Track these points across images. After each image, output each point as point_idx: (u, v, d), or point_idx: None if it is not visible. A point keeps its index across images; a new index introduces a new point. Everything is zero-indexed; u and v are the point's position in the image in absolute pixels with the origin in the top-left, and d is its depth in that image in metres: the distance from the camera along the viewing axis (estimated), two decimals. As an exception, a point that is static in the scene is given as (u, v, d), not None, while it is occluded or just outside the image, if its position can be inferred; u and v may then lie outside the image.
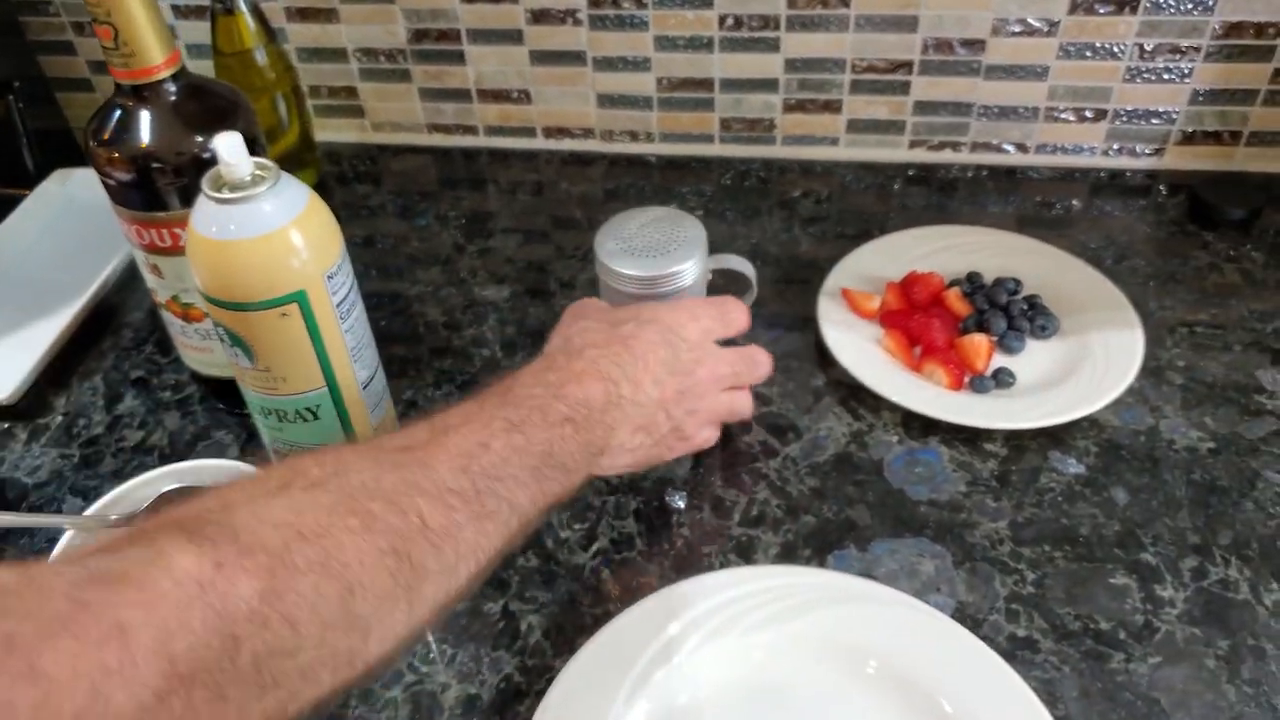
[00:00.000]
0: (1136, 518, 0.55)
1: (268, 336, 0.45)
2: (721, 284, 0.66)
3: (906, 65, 0.80)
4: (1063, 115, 0.81)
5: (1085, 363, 0.62)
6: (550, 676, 0.49)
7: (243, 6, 0.76)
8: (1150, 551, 0.53)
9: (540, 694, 0.47)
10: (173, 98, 0.54)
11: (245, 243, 0.43)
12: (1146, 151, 0.81)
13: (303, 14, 0.85)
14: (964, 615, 0.50)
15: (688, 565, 0.54)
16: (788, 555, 0.54)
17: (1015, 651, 0.49)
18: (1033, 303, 0.67)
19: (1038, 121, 0.81)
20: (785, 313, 0.70)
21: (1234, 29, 0.74)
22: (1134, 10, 0.74)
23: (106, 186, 0.55)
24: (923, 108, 0.82)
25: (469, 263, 0.78)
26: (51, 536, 0.58)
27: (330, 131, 0.93)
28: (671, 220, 0.63)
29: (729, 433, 0.61)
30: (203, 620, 0.29)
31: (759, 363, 0.57)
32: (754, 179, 0.85)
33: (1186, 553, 0.53)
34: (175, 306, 0.59)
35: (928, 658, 0.47)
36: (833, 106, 0.83)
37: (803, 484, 0.58)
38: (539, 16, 0.82)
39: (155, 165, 0.53)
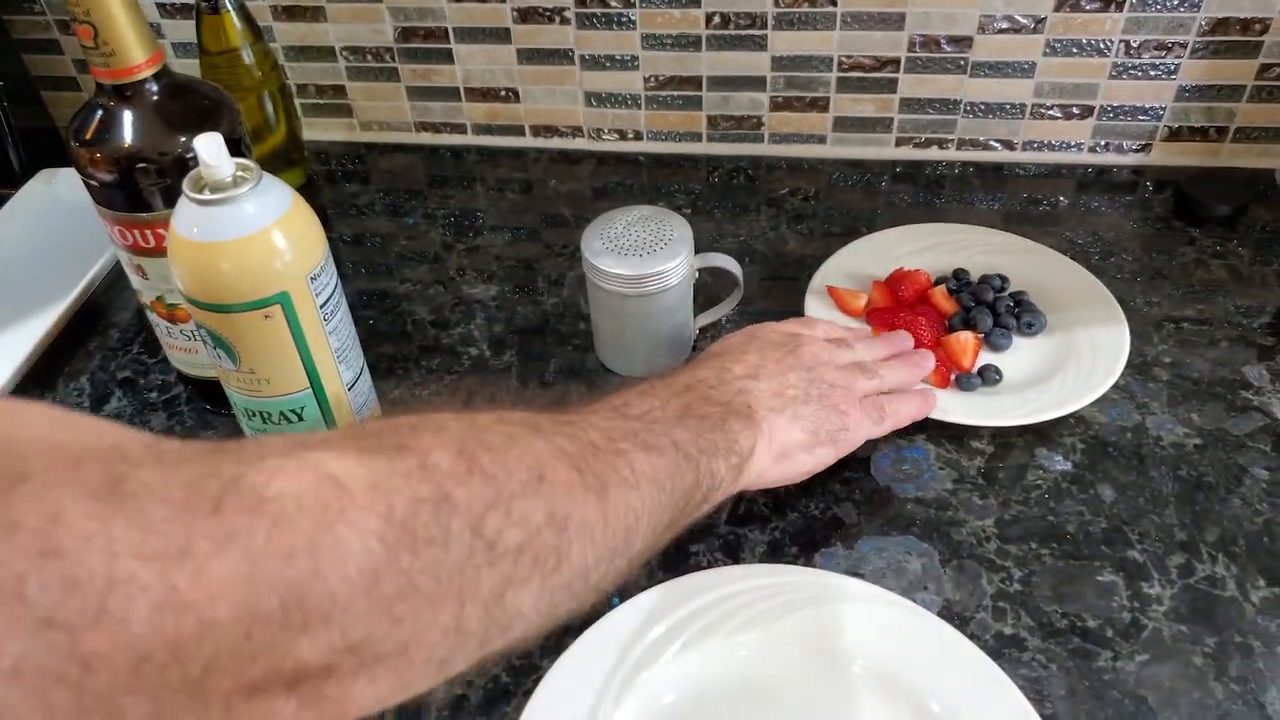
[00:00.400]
0: (1123, 515, 0.55)
1: (251, 338, 0.45)
2: (709, 282, 0.66)
3: (893, 63, 0.80)
4: (1049, 112, 0.81)
5: (1071, 359, 0.62)
6: (537, 676, 0.49)
7: (228, 5, 0.75)
8: (1137, 549, 0.53)
9: (528, 694, 0.47)
10: (155, 97, 0.53)
11: (227, 244, 0.43)
12: (1133, 148, 0.82)
13: (289, 12, 0.85)
14: (951, 613, 0.50)
15: (675, 564, 0.54)
16: (775, 553, 0.54)
17: (1002, 650, 0.49)
18: (1019, 300, 0.67)
19: (1024, 118, 0.81)
20: (772, 310, 0.70)
21: (1220, 25, 0.74)
22: (1120, 7, 0.74)
23: (89, 187, 0.55)
24: (909, 105, 0.82)
25: (457, 261, 0.78)
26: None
27: (318, 130, 0.93)
28: (658, 219, 0.63)
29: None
30: (406, 472, 0.29)
31: (905, 360, 0.58)
32: (742, 177, 0.85)
33: (1173, 550, 0.53)
34: (160, 307, 0.59)
35: (915, 656, 0.47)
36: (820, 104, 0.83)
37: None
38: (526, 15, 0.82)
39: (138, 166, 0.53)
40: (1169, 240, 0.74)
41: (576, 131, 0.89)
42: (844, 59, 0.80)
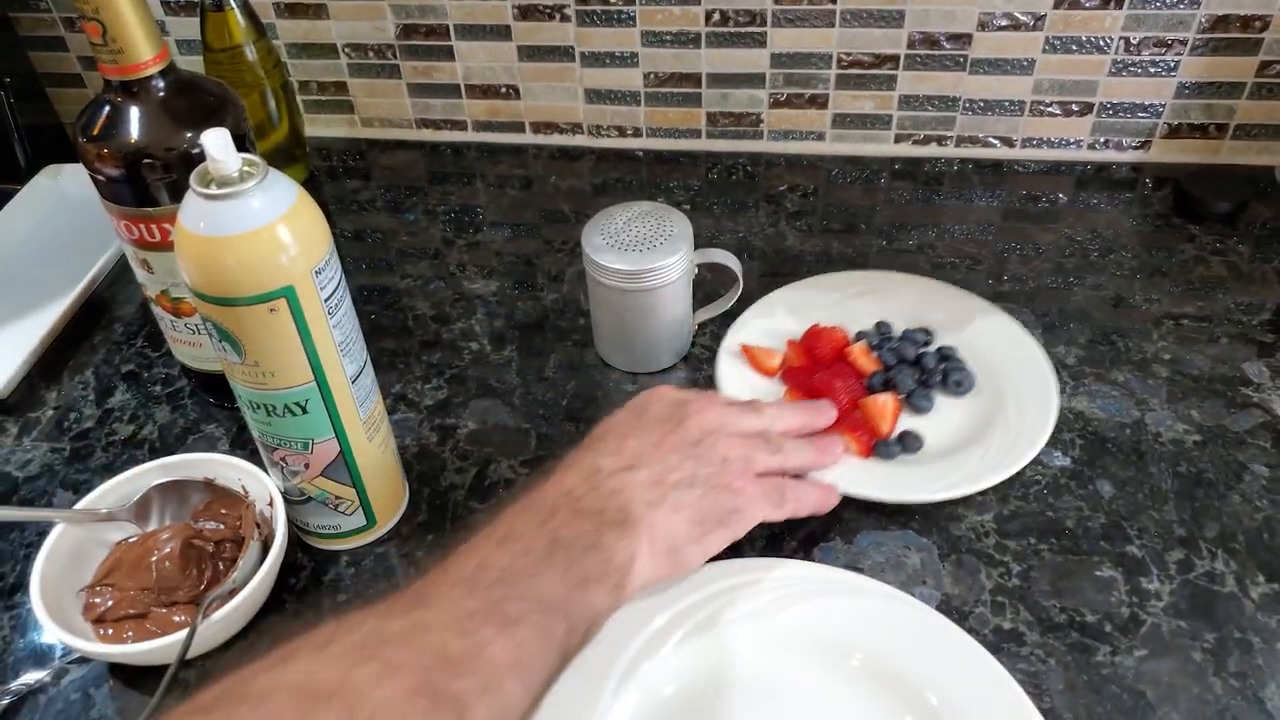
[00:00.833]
0: (1122, 510, 0.55)
1: (256, 332, 0.45)
2: (708, 278, 0.66)
3: (893, 60, 0.80)
4: (1049, 109, 0.81)
5: (998, 423, 0.58)
6: (539, 668, 0.49)
7: (232, 3, 0.76)
8: (1136, 544, 0.53)
9: (528, 685, 0.47)
10: (161, 94, 0.54)
11: (233, 238, 0.43)
12: (1132, 145, 0.82)
13: (291, 9, 0.85)
14: (950, 608, 0.51)
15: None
16: (774, 547, 0.54)
17: (1001, 644, 0.49)
18: (946, 355, 0.62)
19: (1023, 116, 0.82)
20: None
21: (1220, 22, 0.74)
22: (1120, 4, 0.75)
23: (96, 182, 0.55)
24: (909, 102, 0.82)
25: (457, 257, 0.78)
26: (42, 530, 0.58)
27: (320, 127, 0.93)
28: (657, 215, 0.63)
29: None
30: None
31: (815, 444, 0.53)
32: (740, 173, 0.85)
33: (1173, 545, 0.53)
34: (165, 301, 0.59)
35: (914, 650, 0.47)
36: (819, 101, 0.84)
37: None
38: (526, 12, 0.82)
39: (144, 161, 0.53)
40: (1168, 237, 0.74)
41: (576, 128, 0.89)
42: (843, 56, 0.81)
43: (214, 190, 0.43)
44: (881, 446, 0.57)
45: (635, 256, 0.60)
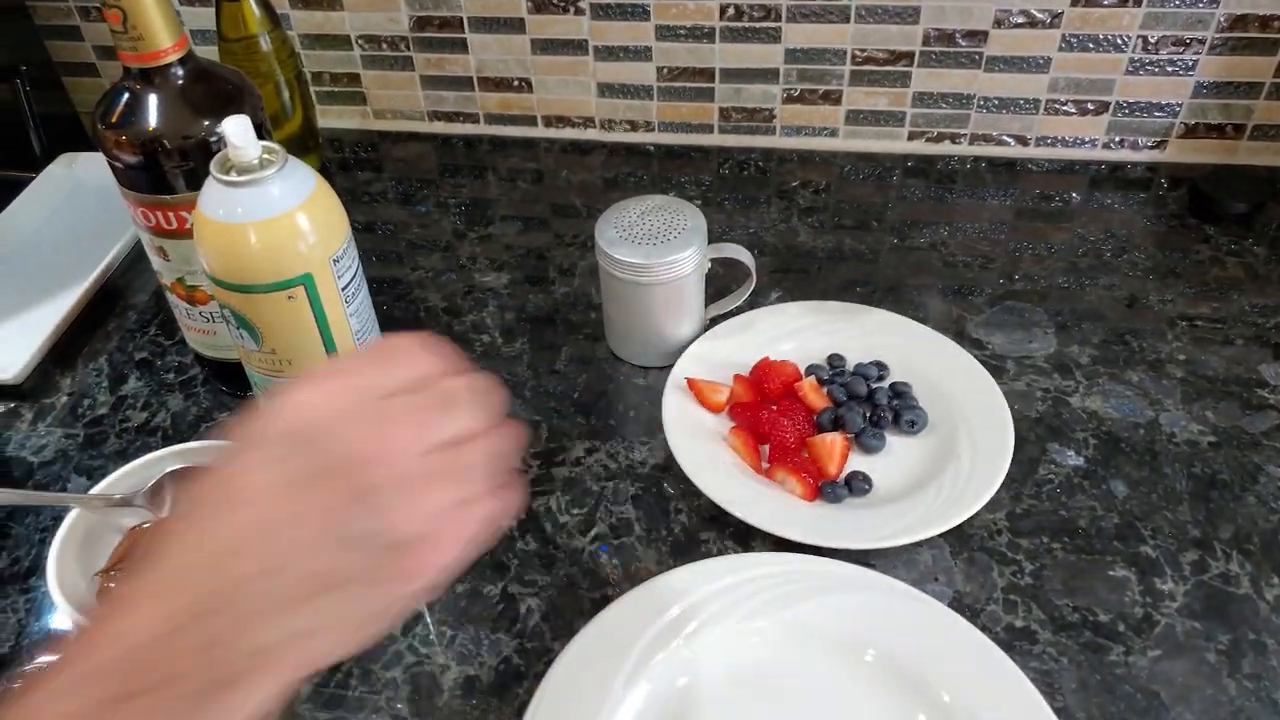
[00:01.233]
0: (1136, 510, 0.55)
1: (274, 319, 0.45)
2: (719, 273, 0.66)
3: (907, 56, 0.80)
4: (1064, 108, 0.81)
5: (949, 466, 0.55)
6: (549, 659, 0.49)
7: (247, -8, 0.76)
8: (1150, 544, 0.53)
9: (539, 676, 0.47)
10: (180, 82, 0.54)
11: (252, 225, 0.43)
12: (1148, 144, 0.82)
13: (306, 0, 0.85)
14: (961, 605, 0.51)
15: (686, 551, 0.54)
16: (785, 542, 0.54)
17: (1013, 642, 0.49)
18: (899, 392, 0.60)
19: (1038, 114, 0.81)
20: (785, 301, 0.70)
21: (1238, 21, 0.74)
22: (1138, 2, 0.74)
23: (114, 169, 0.55)
24: (923, 99, 0.82)
25: (469, 249, 0.78)
26: (57, 515, 0.58)
27: (332, 118, 0.93)
28: (671, 209, 0.63)
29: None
30: None
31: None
32: (753, 169, 0.85)
33: (1187, 546, 0.53)
34: (180, 289, 0.59)
35: (927, 648, 0.47)
36: (832, 97, 0.84)
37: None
38: (540, 5, 0.82)
39: (162, 148, 0.54)
40: (1183, 238, 0.74)
41: (589, 122, 0.89)
42: (857, 52, 0.81)
43: (234, 177, 0.43)
44: (828, 489, 0.55)
45: (648, 250, 0.60)
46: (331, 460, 0.32)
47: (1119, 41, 0.76)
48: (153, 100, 0.54)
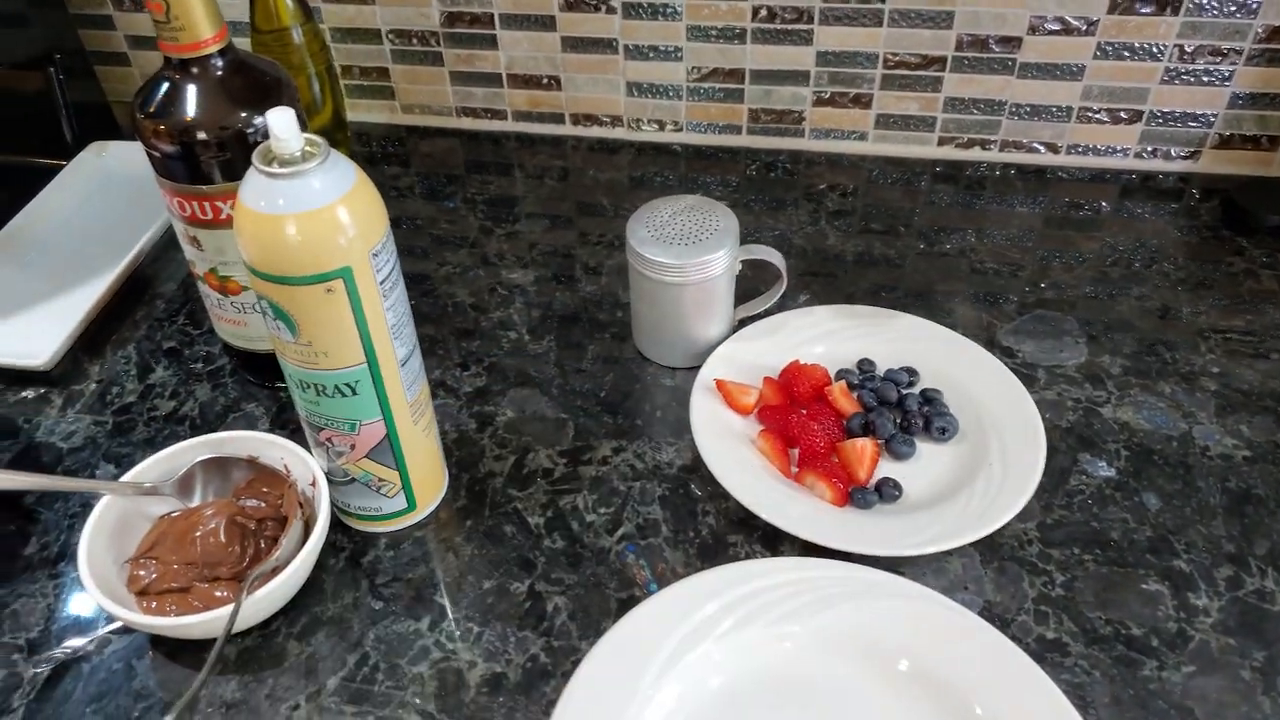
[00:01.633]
0: (1169, 524, 0.54)
1: (311, 311, 0.45)
2: (748, 275, 0.66)
3: (939, 61, 0.80)
4: (1096, 116, 0.80)
5: (980, 474, 0.55)
6: (577, 658, 0.49)
7: (281, -16, 0.76)
8: (1183, 559, 0.53)
9: (567, 675, 0.47)
10: (219, 73, 0.54)
11: (293, 217, 0.43)
12: (1181, 155, 0.81)
13: (339, -7, 0.86)
14: (991, 615, 0.50)
15: (714, 554, 0.54)
16: (814, 547, 0.54)
17: (1045, 654, 0.49)
18: (929, 398, 0.60)
19: (1070, 121, 0.81)
20: (813, 302, 0.70)
21: (1276, 33, 0.74)
22: (1175, 11, 0.74)
23: (151, 158, 0.55)
24: (954, 104, 0.82)
25: (496, 246, 0.78)
26: (85, 501, 0.59)
27: (360, 112, 0.93)
28: (703, 209, 0.63)
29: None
30: None
31: None
32: (780, 170, 0.85)
33: (1221, 561, 0.52)
34: (213, 279, 0.60)
35: (960, 657, 0.47)
36: (862, 101, 0.83)
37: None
38: (572, 4, 0.82)
39: (200, 138, 0.54)
40: (1216, 249, 0.74)
41: (616, 121, 0.89)
42: (890, 56, 0.80)
43: (276, 169, 0.43)
44: (858, 494, 0.55)
45: (680, 250, 0.60)
46: None
47: (1155, 50, 0.76)
48: (192, 90, 0.54)
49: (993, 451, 0.57)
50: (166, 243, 0.79)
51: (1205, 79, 0.77)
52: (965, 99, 0.82)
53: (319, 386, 0.49)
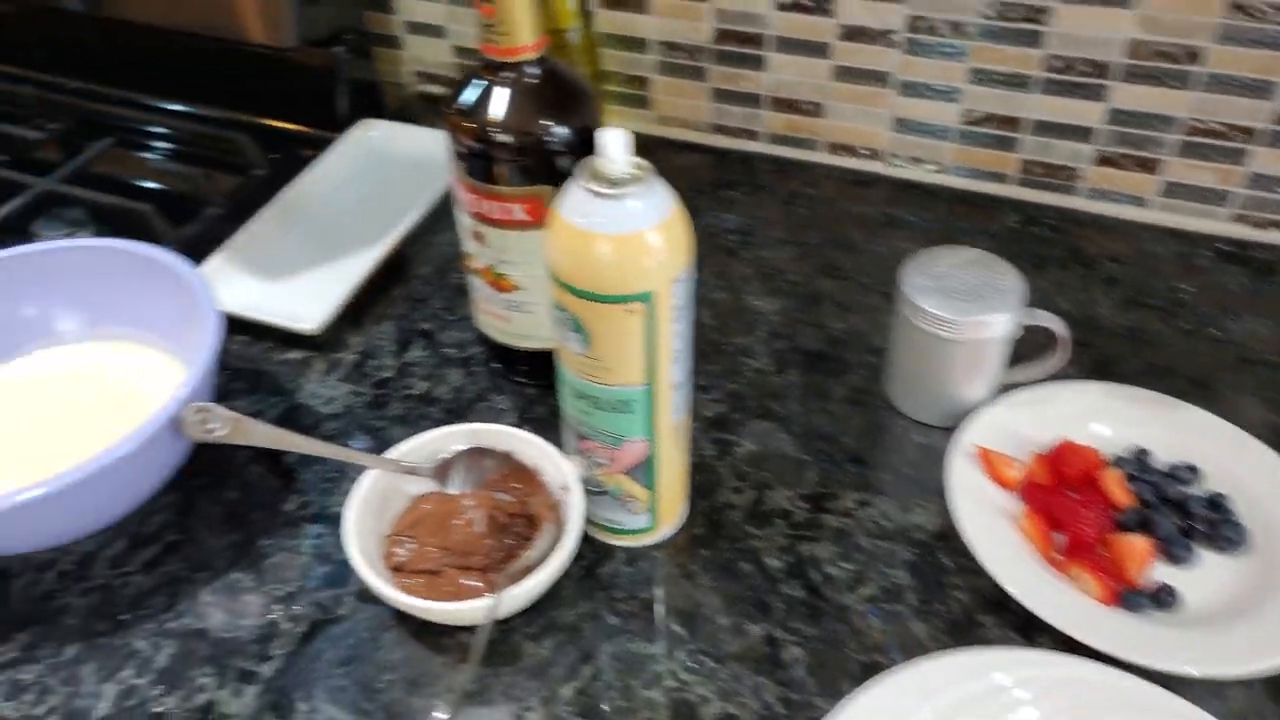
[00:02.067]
0: None
1: (608, 329, 0.46)
2: (1021, 336, 0.62)
3: (1248, 132, 0.74)
4: None
5: (1271, 598, 0.51)
6: (813, 715, 0.48)
7: (570, -12, 0.78)
8: None
9: (806, 733, 0.46)
10: (531, 80, 0.55)
11: (610, 238, 0.44)
12: None
13: (615, 0, 0.87)
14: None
15: (963, 632, 0.52)
16: (1073, 644, 0.50)
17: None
18: (1216, 503, 0.55)
19: (1393, 214, 0.73)
20: (1078, 375, 0.66)
21: None
22: None
23: (454, 153, 0.57)
24: (1258, 181, 0.75)
25: (741, 269, 0.77)
26: (339, 468, 0.62)
27: (613, 119, 0.95)
28: (988, 265, 0.60)
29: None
30: None
31: None
32: (1044, 227, 0.80)
33: None
34: (489, 274, 0.61)
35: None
36: (1149, 165, 0.78)
37: (1093, 569, 0.54)
38: (853, 33, 0.81)
39: (503, 140, 0.55)
40: None
41: (874, 154, 0.87)
42: (1194, 122, 0.74)
43: (601, 188, 0.44)
44: (1131, 597, 0.51)
45: (960, 305, 0.57)
46: None
47: None
48: (505, 94, 0.55)
49: None
50: (424, 227, 0.81)
51: None
52: (1272, 176, 0.75)
53: (596, 399, 0.49)
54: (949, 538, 0.56)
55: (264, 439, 0.56)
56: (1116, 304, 0.72)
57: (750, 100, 0.88)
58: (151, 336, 0.67)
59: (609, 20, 0.89)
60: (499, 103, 0.55)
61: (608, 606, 0.54)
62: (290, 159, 0.91)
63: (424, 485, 0.58)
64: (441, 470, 0.57)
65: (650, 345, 0.47)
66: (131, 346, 0.67)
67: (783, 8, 0.81)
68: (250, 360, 0.71)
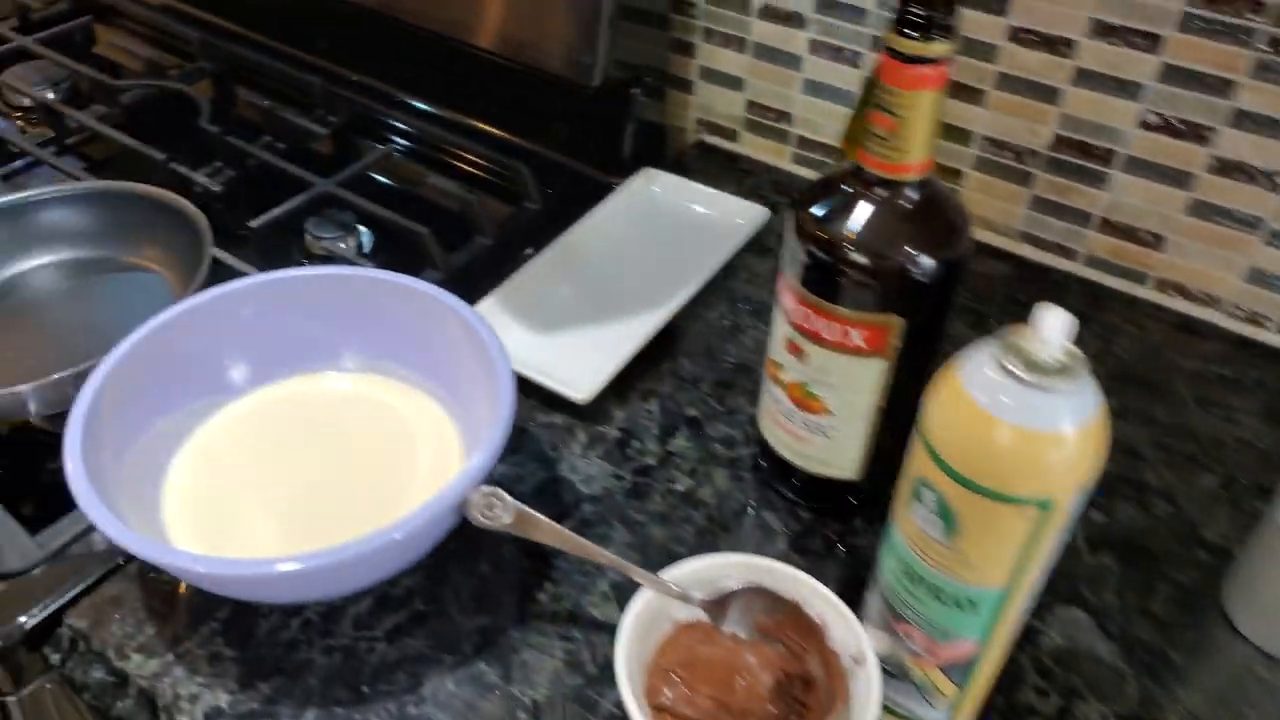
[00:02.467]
0: None
1: (985, 526, 0.39)
2: None
3: None
4: None
5: None
6: None
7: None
8: None
9: None
10: (906, 203, 0.49)
11: (1023, 431, 0.37)
12: None
13: (955, 88, 0.79)
14: None
15: None
16: None
17: None
18: None
19: None
20: None
21: None
22: None
23: (794, 257, 0.52)
24: None
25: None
26: (596, 564, 0.57)
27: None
28: None
29: None
30: None
31: None
32: None
33: None
34: (798, 390, 0.55)
35: None
36: None
37: None
38: (1229, 169, 0.70)
39: (859, 261, 0.49)
40: None
41: (1213, 302, 0.76)
42: None
43: (1024, 374, 0.37)
44: None
45: (1372, 548, 0.47)
46: None
47: None
48: (874, 210, 0.49)
49: None
50: (698, 298, 0.77)
51: None
52: None
53: (939, 591, 0.43)
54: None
55: (547, 537, 0.52)
56: None
57: (1077, 216, 0.79)
58: (430, 384, 0.65)
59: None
60: (864, 218, 0.49)
61: (888, 812, 0.47)
62: (564, 196, 0.88)
63: (691, 612, 0.52)
64: (716, 605, 0.52)
65: (1028, 551, 0.40)
66: (405, 388, 0.65)
67: (1147, 126, 0.72)
68: (515, 418, 0.67)
